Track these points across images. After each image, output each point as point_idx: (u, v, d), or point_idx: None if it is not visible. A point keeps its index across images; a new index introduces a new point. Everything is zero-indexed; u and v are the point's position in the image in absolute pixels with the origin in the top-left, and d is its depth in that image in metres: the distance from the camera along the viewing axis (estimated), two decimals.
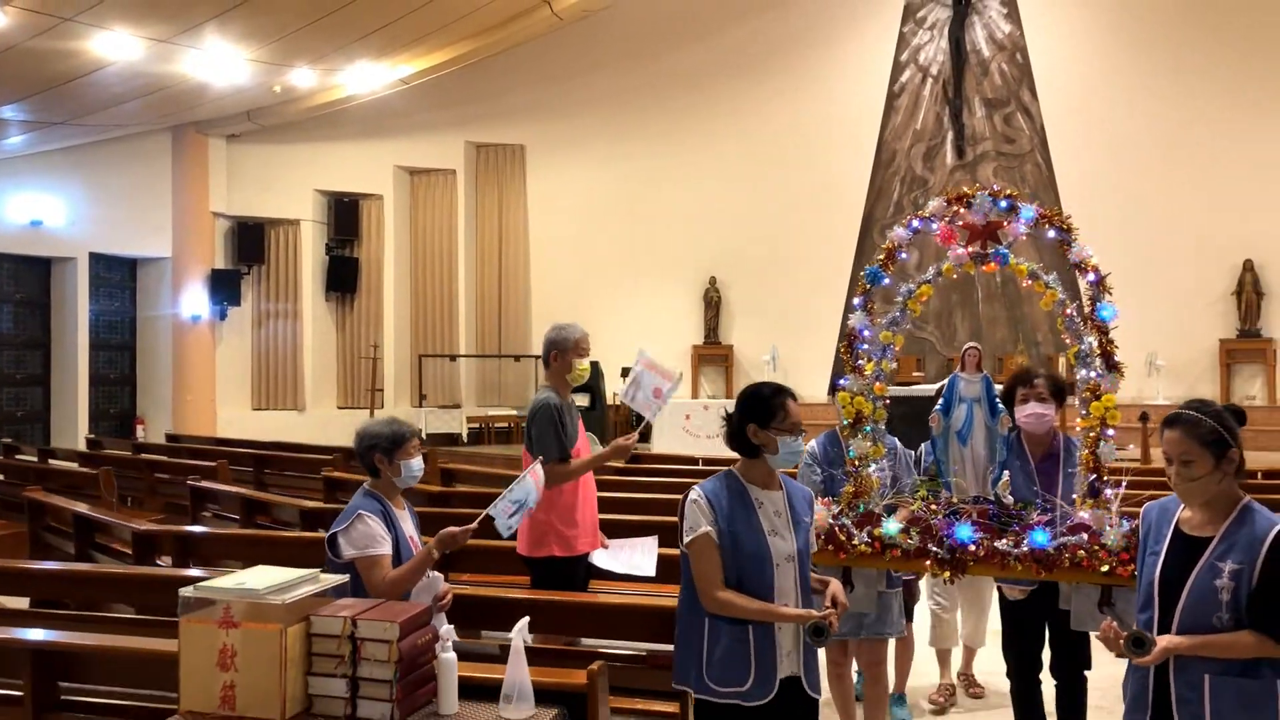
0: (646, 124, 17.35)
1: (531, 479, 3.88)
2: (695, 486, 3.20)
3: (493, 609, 4.08)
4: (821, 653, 3.39)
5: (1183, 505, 2.90)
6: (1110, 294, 3.76)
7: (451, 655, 2.93)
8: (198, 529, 6.57)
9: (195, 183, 16.60)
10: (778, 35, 16.90)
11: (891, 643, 4.81)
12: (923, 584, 5.50)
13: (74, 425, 15.58)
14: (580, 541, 4.64)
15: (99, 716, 3.53)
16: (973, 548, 3.67)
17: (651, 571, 4.54)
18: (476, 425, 16.61)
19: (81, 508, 6.77)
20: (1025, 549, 3.61)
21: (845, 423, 4.03)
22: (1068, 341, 3.87)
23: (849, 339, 4.05)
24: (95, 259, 16.09)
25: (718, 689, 3.08)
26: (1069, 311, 3.80)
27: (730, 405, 3.41)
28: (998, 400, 4.95)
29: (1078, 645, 4.16)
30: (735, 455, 3.28)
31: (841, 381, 4.10)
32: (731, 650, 3.07)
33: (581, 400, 13.63)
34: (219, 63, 13.00)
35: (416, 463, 3.80)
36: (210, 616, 2.81)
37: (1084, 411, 3.74)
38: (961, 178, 16.09)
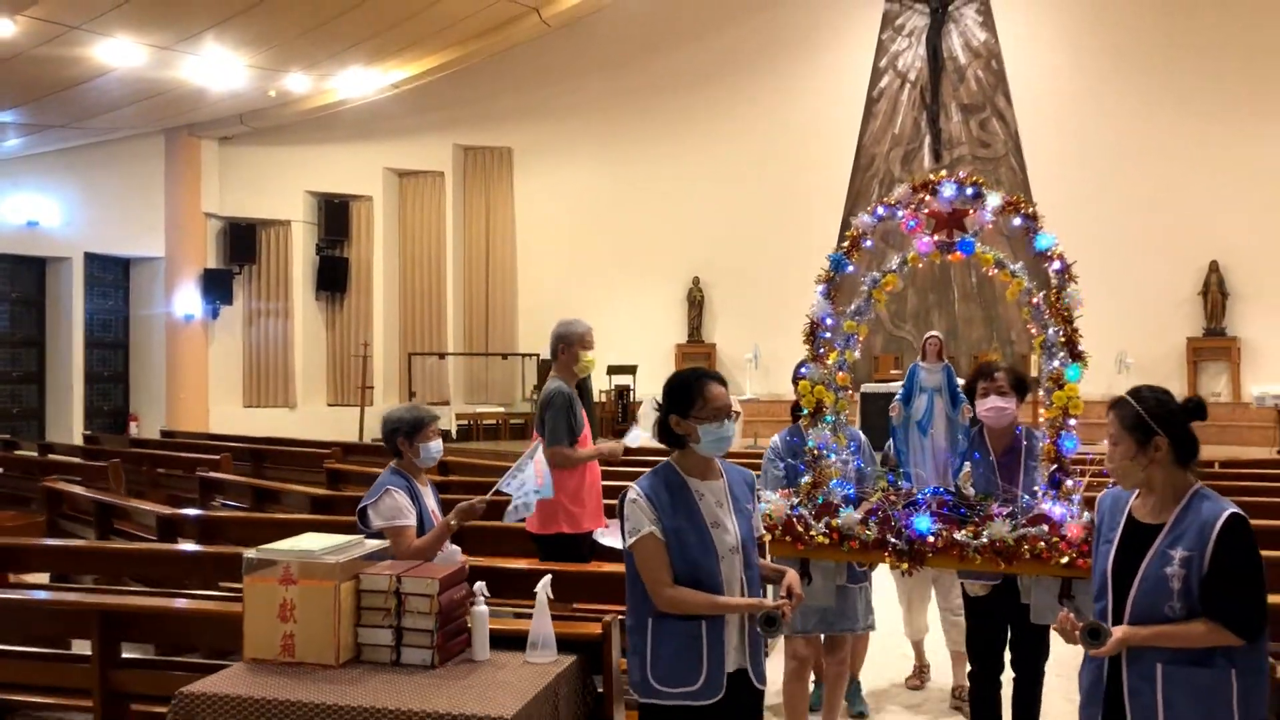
0: (632, 128, 17.71)
1: (534, 466, 4.20)
2: (633, 485, 3.06)
3: (506, 579, 4.42)
4: (779, 648, 3.35)
5: (1135, 494, 2.88)
6: (1076, 281, 3.71)
7: (484, 608, 3.33)
8: (221, 513, 6.90)
9: (188, 184, 16.88)
10: (761, 42, 17.28)
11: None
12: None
13: (69, 422, 15.85)
14: (586, 520, 5.05)
15: (158, 670, 3.88)
16: (931, 539, 3.61)
17: None
18: (465, 422, 16.90)
19: (104, 495, 7.09)
20: (984, 540, 3.55)
21: (804, 412, 3.89)
22: (1033, 332, 3.79)
23: (811, 327, 3.91)
24: (90, 259, 16.40)
25: (666, 689, 2.97)
26: (1035, 301, 3.73)
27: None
28: (959, 390, 4.88)
29: (1039, 639, 4.09)
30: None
31: (802, 370, 3.96)
32: (682, 649, 2.96)
33: None
34: (217, 68, 13.30)
35: (435, 445, 4.17)
36: (272, 575, 3.21)
37: (1048, 401, 3.69)
38: None
